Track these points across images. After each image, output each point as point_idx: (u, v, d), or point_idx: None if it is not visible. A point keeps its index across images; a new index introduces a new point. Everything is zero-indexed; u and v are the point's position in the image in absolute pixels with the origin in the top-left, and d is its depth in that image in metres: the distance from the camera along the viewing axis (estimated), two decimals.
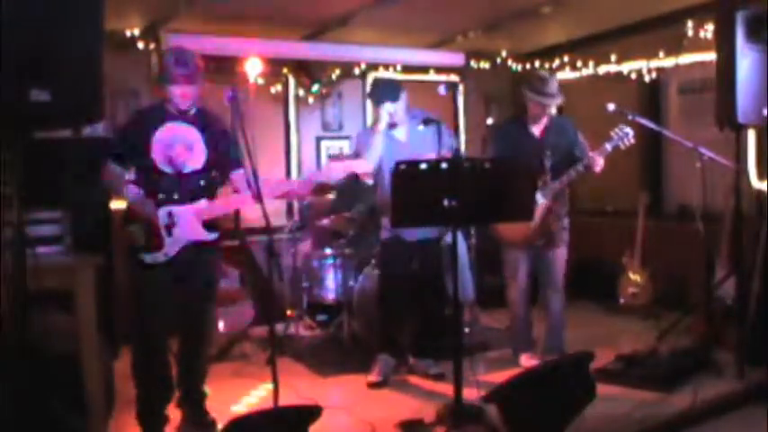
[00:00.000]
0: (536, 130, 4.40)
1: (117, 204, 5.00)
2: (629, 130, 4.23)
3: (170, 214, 3.32)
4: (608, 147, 4.22)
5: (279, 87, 6.31)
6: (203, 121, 3.43)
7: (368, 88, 4.44)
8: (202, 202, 3.38)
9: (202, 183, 3.41)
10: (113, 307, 4.34)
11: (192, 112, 3.42)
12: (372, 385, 4.23)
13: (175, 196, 3.34)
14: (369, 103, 6.65)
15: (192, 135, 3.38)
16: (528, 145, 4.33)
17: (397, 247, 4.25)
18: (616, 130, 4.24)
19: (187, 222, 3.34)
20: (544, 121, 4.38)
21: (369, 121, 6.63)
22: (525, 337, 4.59)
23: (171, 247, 3.33)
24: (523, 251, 4.44)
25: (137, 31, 5.49)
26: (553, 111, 4.39)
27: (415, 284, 4.32)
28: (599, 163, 4.24)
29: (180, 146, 3.34)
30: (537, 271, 4.52)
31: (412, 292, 4.34)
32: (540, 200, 4.27)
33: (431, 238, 4.27)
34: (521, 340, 4.61)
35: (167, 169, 3.33)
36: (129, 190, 3.32)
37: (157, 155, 3.31)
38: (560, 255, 4.47)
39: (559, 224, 4.40)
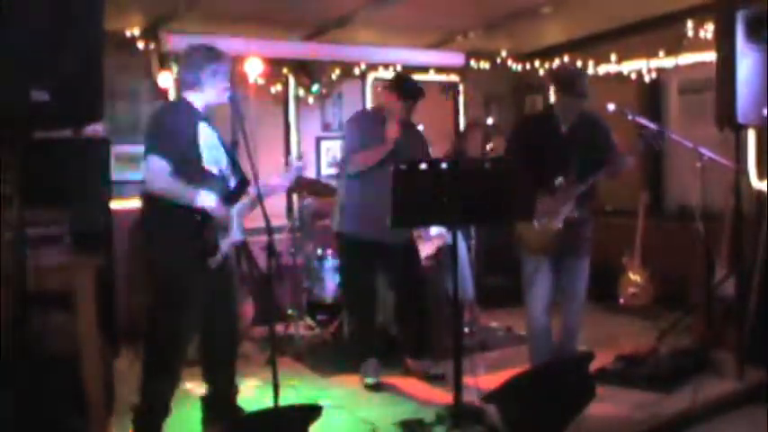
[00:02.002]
0: (564, 126, 3.96)
1: (117, 205, 5.04)
2: (663, 130, 4.02)
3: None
4: (641, 147, 3.98)
5: (279, 87, 6.31)
6: (210, 120, 3.41)
7: (395, 80, 4.42)
8: (239, 203, 3.38)
9: (236, 182, 3.40)
10: (113, 307, 4.34)
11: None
12: (370, 387, 4.23)
13: (227, 198, 3.30)
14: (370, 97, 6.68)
15: (215, 136, 3.36)
16: (553, 142, 3.94)
17: (355, 248, 4.31)
18: (649, 128, 4.00)
19: (233, 224, 3.34)
20: (576, 112, 3.96)
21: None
22: (543, 355, 4.08)
23: (224, 248, 3.30)
24: (544, 260, 3.98)
25: (137, 31, 5.49)
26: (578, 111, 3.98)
27: (404, 285, 4.36)
28: (629, 164, 3.97)
29: (213, 148, 3.31)
30: (558, 281, 4.07)
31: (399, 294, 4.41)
32: (564, 203, 3.89)
33: (387, 242, 4.17)
34: (538, 358, 4.11)
35: (215, 171, 3.28)
36: (204, 195, 3.14)
37: (206, 156, 3.24)
38: (583, 266, 4.08)
39: (585, 233, 4.04)
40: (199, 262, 3.21)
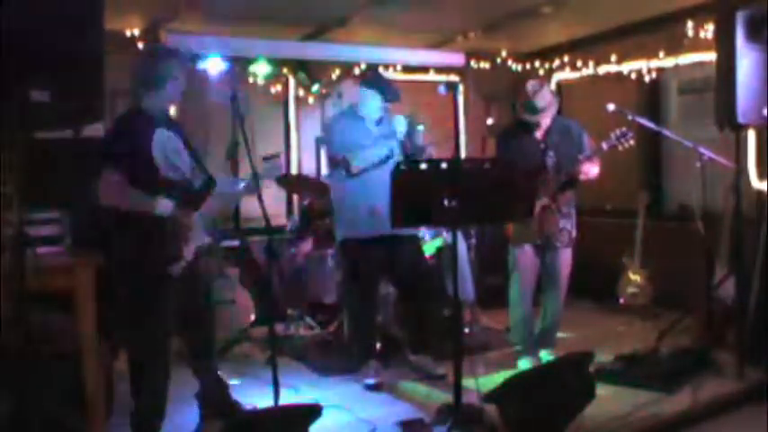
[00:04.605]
0: (538, 131, 4.39)
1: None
2: (628, 130, 4.22)
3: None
4: (604, 146, 4.23)
5: (279, 87, 6.32)
6: (172, 122, 3.37)
7: (375, 79, 4.35)
8: (203, 206, 3.32)
9: (199, 186, 3.36)
10: (113, 307, 4.34)
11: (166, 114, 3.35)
12: (371, 387, 4.23)
13: (187, 203, 3.25)
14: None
15: (176, 139, 3.29)
16: (530, 146, 4.35)
17: (354, 250, 4.28)
18: (616, 130, 4.22)
19: (196, 228, 3.29)
20: (546, 123, 4.38)
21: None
22: (526, 340, 4.51)
23: (188, 254, 3.25)
24: (528, 248, 4.40)
25: (137, 31, 5.49)
26: (548, 121, 4.37)
27: (408, 281, 4.36)
28: (585, 170, 4.24)
29: (173, 152, 3.25)
30: (542, 270, 4.49)
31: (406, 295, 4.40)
32: (541, 197, 4.25)
33: (385, 234, 4.12)
34: (521, 342, 4.53)
35: (174, 176, 3.24)
36: (161, 203, 3.12)
37: (161, 163, 3.18)
38: (563, 256, 4.44)
39: (561, 224, 4.37)
40: (160, 270, 3.16)
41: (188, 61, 3.35)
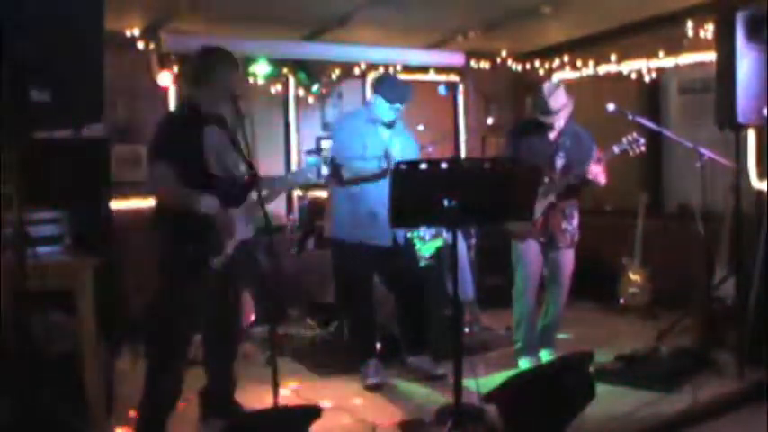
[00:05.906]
0: (552, 132, 4.35)
1: (117, 205, 5.04)
2: (640, 137, 4.19)
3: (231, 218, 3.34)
4: (615, 149, 4.20)
5: (279, 87, 6.32)
6: (221, 120, 3.41)
7: (380, 82, 4.29)
8: (246, 202, 3.41)
9: (245, 183, 3.42)
10: (113, 307, 4.34)
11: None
12: (371, 387, 4.22)
13: (231, 199, 3.33)
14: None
15: (225, 137, 3.34)
16: (542, 145, 4.32)
17: (347, 250, 4.29)
18: (628, 136, 4.19)
19: (239, 223, 3.36)
20: (560, 124, 4.33)
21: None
22: (527, 337, 4.49)
23: (229, 248, 3.33)
24: (532, 242, 4.36)
25: (137, 31, 5.50)
26: (562, 122, 4.32)
27: (402, 284, 4.38)
28: (593, 173, 4.19)
29: (222, 150, 3.32)
30: (545, 269, 4.47)
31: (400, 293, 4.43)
32: (545, 197, 4.23)
33: (377, 245, 4.21)
34: (521, 339, 4.51)
35: (222, 174, 3.31)
36: (207, 200, 3.19)
37: (212, 161, 3.27)
38: (566, 255, 4.42)
39: (563, 225, 4.35)
40: (201, 264, 3.23)
41: (238, 63, 3.41)
